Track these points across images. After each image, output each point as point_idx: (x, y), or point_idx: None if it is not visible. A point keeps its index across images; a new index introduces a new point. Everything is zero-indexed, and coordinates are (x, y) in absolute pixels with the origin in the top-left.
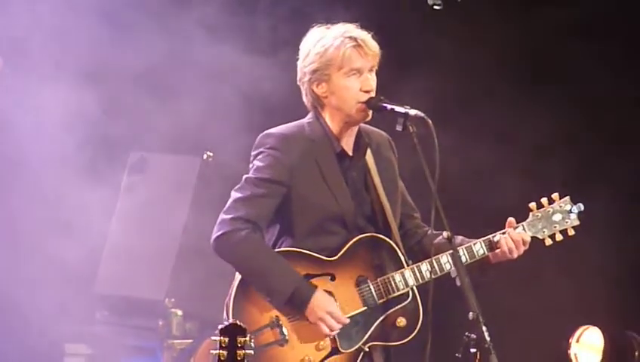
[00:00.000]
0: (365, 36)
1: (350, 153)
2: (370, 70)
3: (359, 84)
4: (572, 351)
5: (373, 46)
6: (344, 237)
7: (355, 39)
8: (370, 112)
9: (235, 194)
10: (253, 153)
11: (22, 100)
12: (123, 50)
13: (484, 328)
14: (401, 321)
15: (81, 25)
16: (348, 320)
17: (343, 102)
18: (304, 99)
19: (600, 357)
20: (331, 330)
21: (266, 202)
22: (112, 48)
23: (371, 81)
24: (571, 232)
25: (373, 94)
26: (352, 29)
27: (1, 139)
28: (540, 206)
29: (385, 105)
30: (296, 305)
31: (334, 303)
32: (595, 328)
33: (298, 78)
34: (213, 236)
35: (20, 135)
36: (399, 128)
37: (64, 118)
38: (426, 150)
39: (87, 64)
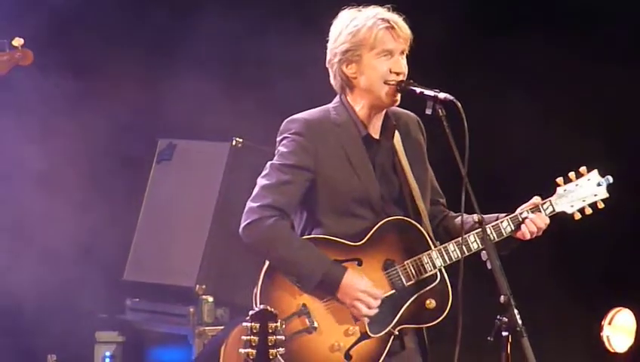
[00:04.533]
0: (398, 19)
1: (377, 136)
2: (402, 53)
3: (389, 66)
4: (604, 334)
5: (405, 29)
6: (372, 220)
7: (387, 21)
8: (399, 96)
9: (261, 181)
10: (277, 139)
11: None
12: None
13: (515, 311)
14: (431, 303)
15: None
16: (383, 295)
17: (372, 83)
18: (332, 81)
19: (632, 338)
20: (369, 308)
21: (293, 188)
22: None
23: (402, 63)
24: (601, 205)
25: (403, 77)
26: (384, 12)
27: None
28: (567, 180)
29: (414, 88)
30: (327, 288)
31: (367, 280)
32: (628, 310)
33: (327, 60)
34: (242, 225)
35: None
36: (429, 112)
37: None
38: (455, 133)
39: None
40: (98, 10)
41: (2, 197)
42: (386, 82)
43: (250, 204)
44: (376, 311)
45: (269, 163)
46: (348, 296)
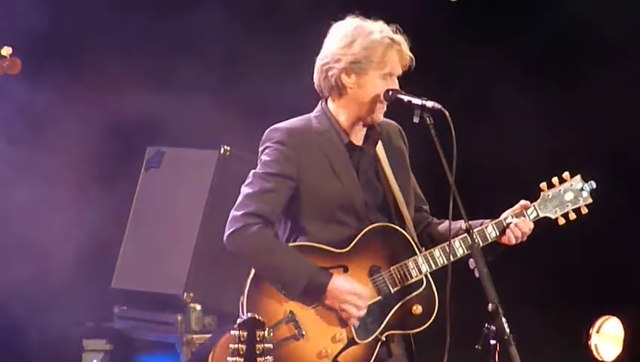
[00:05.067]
0: (405, 42)
1: (359, 144)
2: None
3: (388, 86)
4: (592, 342)
5: (409, 54)
6: (356, 228)
7: (399, 44)
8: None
9: (244, 190)
10: (260, 148)
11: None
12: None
13: (503, 319)
14: (417, 308)
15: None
16: (370, 299)
17: (367, 99)
18: (319, 80)
19: (620, 347)
20: (358, 310)
21: (276, 196)
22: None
23: (397, 84)
24: (585, 211)
25: None
26: (395, 32)
27: None
28: (550, 185)
29: (402, 96)
30: (314, 294)
31: (353, 282)
32: (615, 318)
33: (324, 61)
34: (226, 233)
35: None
36: (416, 120)
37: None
38: (442, 142)
39: None
40: (86, 17)
41: None
42: (381, 101)
43: (233, 213)
44: (364, 312)
45: (252, 172)
46: (336, 299)
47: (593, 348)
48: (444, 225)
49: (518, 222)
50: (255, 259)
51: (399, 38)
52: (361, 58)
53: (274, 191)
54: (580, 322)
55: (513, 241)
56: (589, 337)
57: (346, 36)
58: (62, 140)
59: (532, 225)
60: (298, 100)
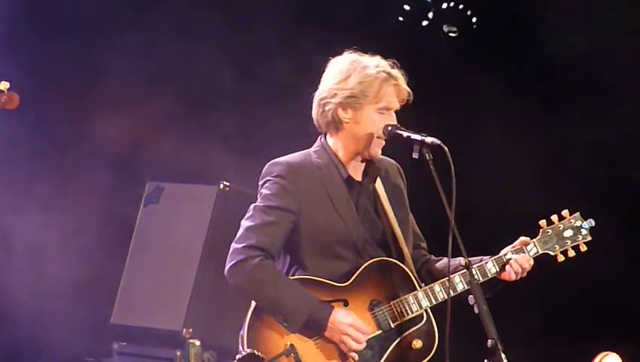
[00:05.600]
0: (401, 76)
1: (359, 179)
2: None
3: (385, 121)
4: None
5: (406, 88)
6: (355, 262)
7: (396, 78)
8: (382, 146)
9: (245, 223)
10: (260, 182)
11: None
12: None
13: (503, 355)
14: (417, 343)
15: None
16: (371, 331)
17: (364, 134)
18: (317, 116)
19: None
20: (358, 343)
21: (276, 229)
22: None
23: (394, 119)
24: (584, 248)
25: None
26: (392, 66)
27: None
28: (550, 223)
29: (401, 132)
30: (314, 327)
31: (354, 316)
32: (615, 354)
33: (321, 96)
34: (227, 266)
35: None
36: (415, 156)
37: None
38: (441, 177)
39: None
40: (81, 52)
41: None
42: (379, 136)
43: (234, 246)
44: (364, 346)
45: (252, 205)
46: (336, 332)
47: None
48: (443, 261)
49: (518, 258)
50: (257, 291)
51: (396, 72)
52: (356, 93)
53: (275, 224)
54: (580, 357)
55: (513, 277)
56: None
57: (341, 71)
58: (61, 173)
59: (532, 261)
60: (299, 135)
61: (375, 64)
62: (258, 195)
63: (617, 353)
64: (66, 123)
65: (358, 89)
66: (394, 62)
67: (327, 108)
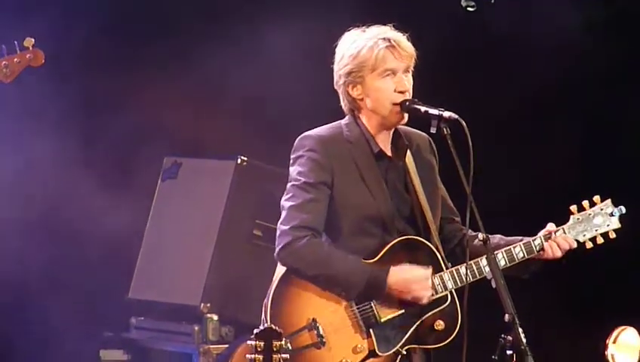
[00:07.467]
0: (399, 37)
1: (389, 153)
2: (406, 71)
3: (394, 85)
4: (609, 352)
5: (408, 47)
6: (383, 239)
7: (388, 40)
8: (406, 115)
9: (286, 204)
10: (292, 156)
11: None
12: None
13: (520, 330)
14: (440, 324)
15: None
16: (430, 272)
17: (377, 104)
18: (342, 103)
19: (637, 357)
20: (426, 290)
21: (317, 206)
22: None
23: (406, 81)
24: (613, 235)
25: (408, 95)
26: (386, 31)
27: None
28: (580, 208)
29: (418, 106)
30: (373, 292)
31: (406, 268)
32: (632, 329)
33: (335, 82)
34: (277, 249)
35: None
36: (433, 130)
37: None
38: (460, 152)
39: None
40: (107, 27)
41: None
42: (392, 102)
43: (281, 227)
44: (431, 291)
45: (289, 184)
46: (404, 289)
47: (610, 358)
48: (476, 241)
49: (551, 241)
50: (309, 270)
51: (391, 34)
52: (352, 67)
53: (315, 200)
54: (597, 332)
55: (551, 254)
56: (605, 347)
57: (337, 54)
58: (78, 149)
59: (573, 243)
60: (318, 112)
61: (366, 36)
62: (290, 169)
63: (635, 327)
64: (84, 94)
65: (354, 63)
66: (392, 26)
67: (340, 93)
